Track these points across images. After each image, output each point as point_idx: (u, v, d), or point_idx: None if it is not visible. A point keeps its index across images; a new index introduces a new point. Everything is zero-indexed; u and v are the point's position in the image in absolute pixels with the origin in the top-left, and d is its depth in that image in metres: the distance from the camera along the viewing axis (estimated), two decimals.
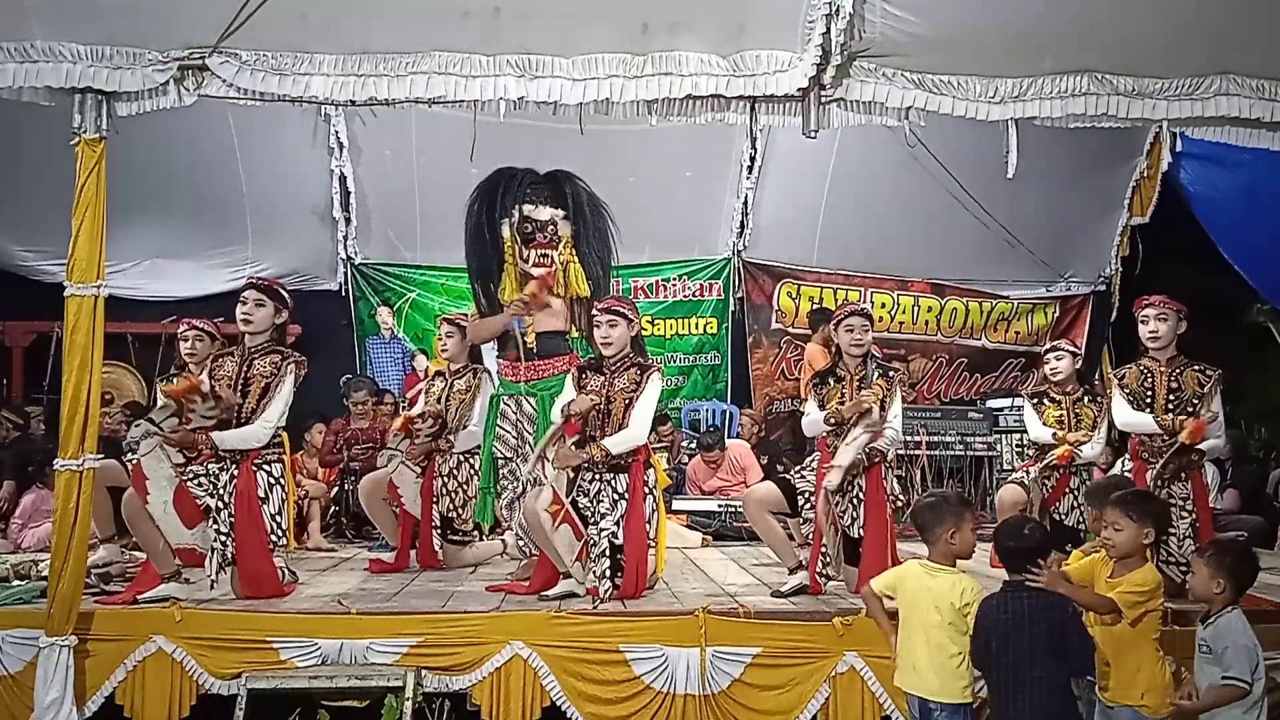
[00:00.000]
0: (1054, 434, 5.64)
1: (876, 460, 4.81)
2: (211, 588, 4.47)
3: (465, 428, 5.68)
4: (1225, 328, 9.04)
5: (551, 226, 5.15)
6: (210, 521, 4.50)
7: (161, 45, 4.12)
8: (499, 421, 5.18)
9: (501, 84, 4.17)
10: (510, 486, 5.15)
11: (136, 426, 4.70)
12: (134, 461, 4.64)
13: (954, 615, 3.44)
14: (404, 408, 6.80)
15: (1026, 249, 9.62)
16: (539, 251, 5.11)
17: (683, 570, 5.61)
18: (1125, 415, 4.96)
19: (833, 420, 4.88)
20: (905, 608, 3.56)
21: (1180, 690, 3.36)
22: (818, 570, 4.72)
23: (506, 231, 5.14)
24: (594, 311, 4.88)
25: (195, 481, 4.52)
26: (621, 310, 4.81)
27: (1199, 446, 4.73)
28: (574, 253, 5.20)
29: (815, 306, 9.48)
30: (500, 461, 5.19)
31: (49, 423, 7.48)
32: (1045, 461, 5.55)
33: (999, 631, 3.38)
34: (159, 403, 4.74)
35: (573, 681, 4.13)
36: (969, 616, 3.43)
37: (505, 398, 5.20)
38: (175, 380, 4.95)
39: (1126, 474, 4.87)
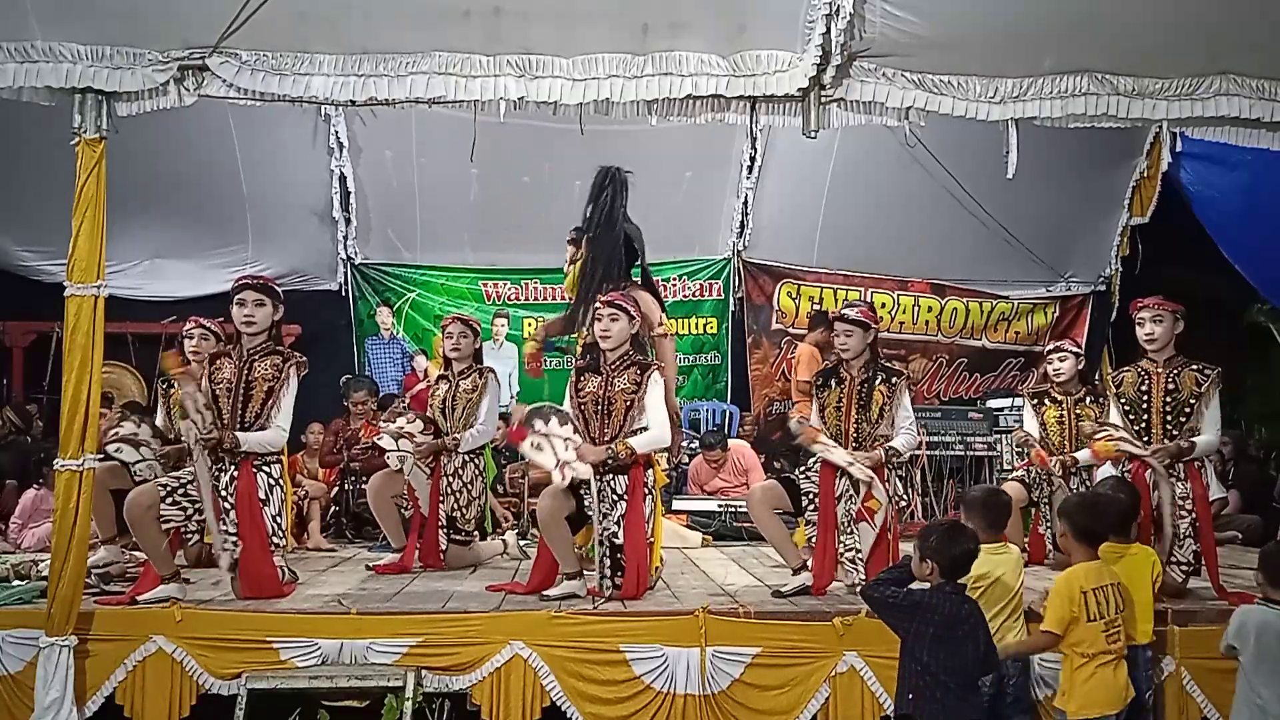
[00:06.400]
0: (1023, 437, 5.81)
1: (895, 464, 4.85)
2: (224, 584, 4.48)
3: (471, 428, 5.67)
4: (1225, 328, 9.03)
5: (577, 228, 5.34)
6: (220, 524, 4.49)
7: (161, 45, 4.12)
8: None
9: (501, 84, 4.18)
10: None
11: (119, 451, 4.73)
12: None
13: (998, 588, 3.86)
14: (404, 407, 6.77)
15: (1026, 249, 9.63)
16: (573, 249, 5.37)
17: (683, 570, 5.60)
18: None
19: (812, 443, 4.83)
20: None
21: None
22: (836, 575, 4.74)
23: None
24: (596, 305, 4.85)
25: (171, 500, 4.49)
26: (623, 305, 4.75)
27: (1194, 441, 4.71)
28: (585, 251, 5.25)
29: (817, 309, 9.47)
30: None
31: (49, 422, 7.48)
32: (1025, 461, 5.67)
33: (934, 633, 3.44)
34: (153, 416, 4.72)
35: (573, 681, 4.12)
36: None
37: None
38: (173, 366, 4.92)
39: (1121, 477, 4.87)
